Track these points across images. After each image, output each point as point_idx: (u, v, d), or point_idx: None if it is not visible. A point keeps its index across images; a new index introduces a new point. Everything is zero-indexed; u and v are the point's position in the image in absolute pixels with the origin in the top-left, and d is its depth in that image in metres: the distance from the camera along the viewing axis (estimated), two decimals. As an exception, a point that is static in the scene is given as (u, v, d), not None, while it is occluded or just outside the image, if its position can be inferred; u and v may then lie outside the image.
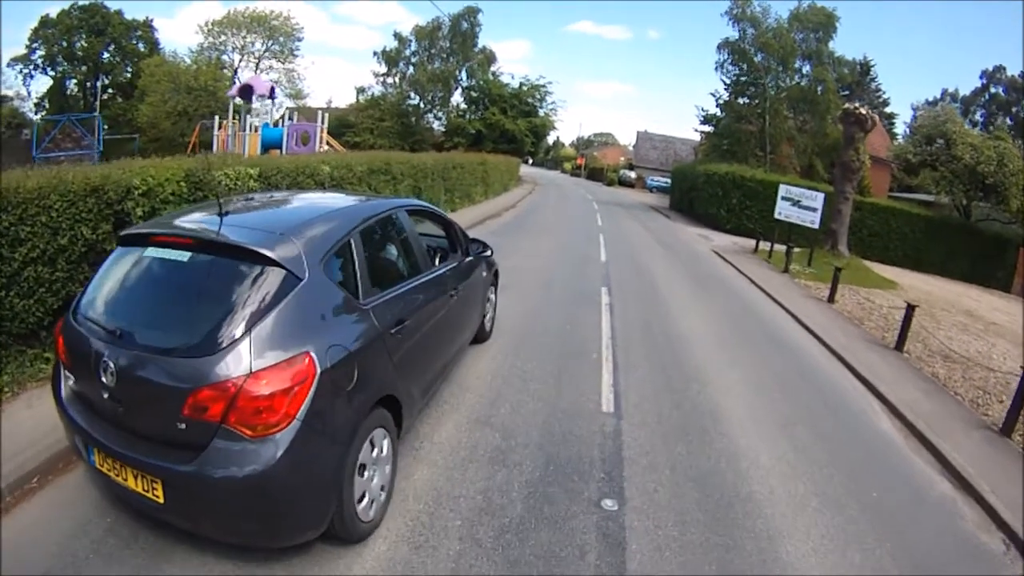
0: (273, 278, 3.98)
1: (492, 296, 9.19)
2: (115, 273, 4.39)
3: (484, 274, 8.36)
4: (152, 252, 4.29)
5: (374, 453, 4.54)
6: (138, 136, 45.41)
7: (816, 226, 22.95)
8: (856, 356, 10.60)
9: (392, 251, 5.83)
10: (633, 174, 78.69)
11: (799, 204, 23.26)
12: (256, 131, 26.49)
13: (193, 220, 4.61)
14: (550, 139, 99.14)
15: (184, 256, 4.16)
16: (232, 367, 3.63)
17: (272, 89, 29.29)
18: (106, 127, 55.24)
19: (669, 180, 55.63)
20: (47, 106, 60.32)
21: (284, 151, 24.88)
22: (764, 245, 24.60)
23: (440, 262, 7.10)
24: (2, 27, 66.60)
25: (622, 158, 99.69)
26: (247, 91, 27.36)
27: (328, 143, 28.94)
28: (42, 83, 63.56)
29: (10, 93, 59.24)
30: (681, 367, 8.89)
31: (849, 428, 7.76)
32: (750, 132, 41.97)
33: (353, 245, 4.75)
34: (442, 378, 6.64)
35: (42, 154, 29.98)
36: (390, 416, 4.78)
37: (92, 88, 61.31)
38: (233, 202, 5.17)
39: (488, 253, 8.38)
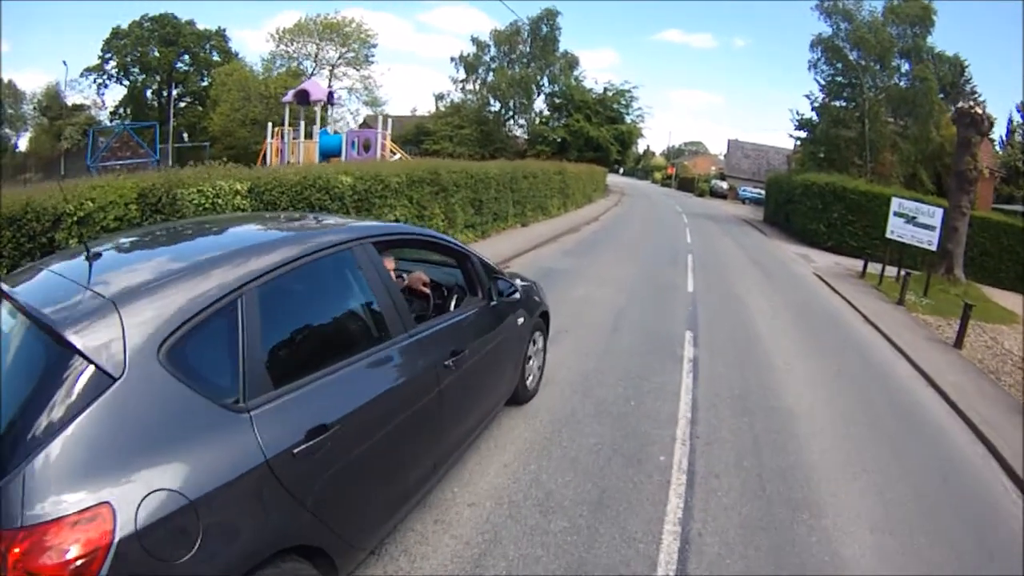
0: (75, 375, 2.53)
1: (539, 343, 7.16)
2: None
3: (521, 320, 6.28)
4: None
5: None
6: (208, 144, 46.62)
7: (934, 247, 20.17)
8: (1004, 437, 8.09)
9: (328, 312, 3.96)
10: (725, 184, 75.59)
11: (914, 221, 20.49)
12: (314, 138, 25.67)
13: (52, 265, 3.32)
14: (640, 148, 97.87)
15: (9, 324, 2.92)
16: (2, 515, 2.29)
17: (330, 94, 28.65)
18: (185, 135, 57.14)
19: (763, 191, 52.46)
20: (123, 114, 64.16)
21: (344, 158, 24.14)
22: (870, 266, 21.73)
23: (457, 306, 5.40)
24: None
25: (713, 167, 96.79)
26: (303, 96, 26.69)
27: (392, 150, 27.42)
28: (117, 92, 67.63)
29: (87, 102, 62.59)
30: (786, 479, 6.19)
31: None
32: (848, 138, 38.91)
33: (242, 311, 3.09)
34: (434, 479, 4.67)
35: (99, 163, 29.96)
36: (309, 567, 3.16)
37: (168, 96, 63.47)
38: (132, 238, 4.08)
39: (517, 295, 6.07)
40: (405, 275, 5.80)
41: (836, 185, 29.92)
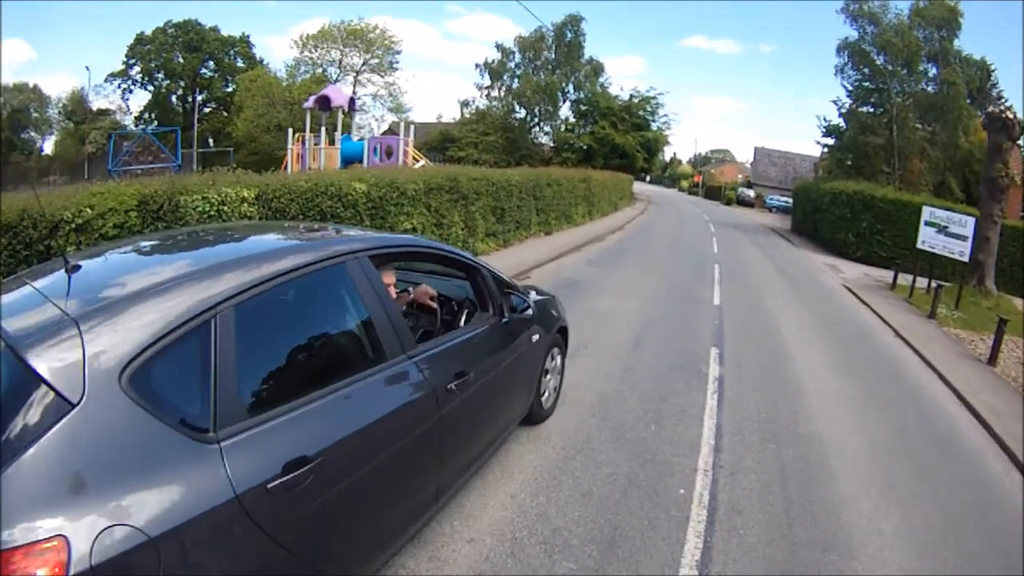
0: (35, 399, 2.35)
1: (557, 360, 6.81)
2: None
3: (536, 338, 5.91)
4: None
5: None
6: (232, 150, 47.18)
7: (966, 258, 19.59)
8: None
9: (314, 332, 3.65)
10: (752, 192, 75.07)
11: (946, 231, 19.98)
12: (336, 144, 25.73)
13: (32, 277, 3.19)
14: (666, 156, 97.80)
15: None
16: None
17: (352, 101, 28.65)
18: (210, 140, 57.94)
19: (790, 199, 51.82)
20: (148, 119, 65.09)
21: (366, 165, 24.12)
22: (900, 277, 21.16)
23: (467, 321, 5.14)
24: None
25: (740, 175, 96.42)
26: (324, 102, 26.84)
27: (415, 157, 27.26)
28: (142, 97, 68.83)
29: (112, 107, 64.15)
30: (815, 514, 5.70)
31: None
32: (877, 145, 38.42)
33: (215, 333, 2.84)
34: (432, 511, 4.30)
35: (121, 167, 30.22)
36: None
37: (192, 102, 65.50)
38: (117, 248, 3.81)
39: (530, 311, 5.75)
40: (411, 288, 5.50)
41: (865, 193, 29.31)
